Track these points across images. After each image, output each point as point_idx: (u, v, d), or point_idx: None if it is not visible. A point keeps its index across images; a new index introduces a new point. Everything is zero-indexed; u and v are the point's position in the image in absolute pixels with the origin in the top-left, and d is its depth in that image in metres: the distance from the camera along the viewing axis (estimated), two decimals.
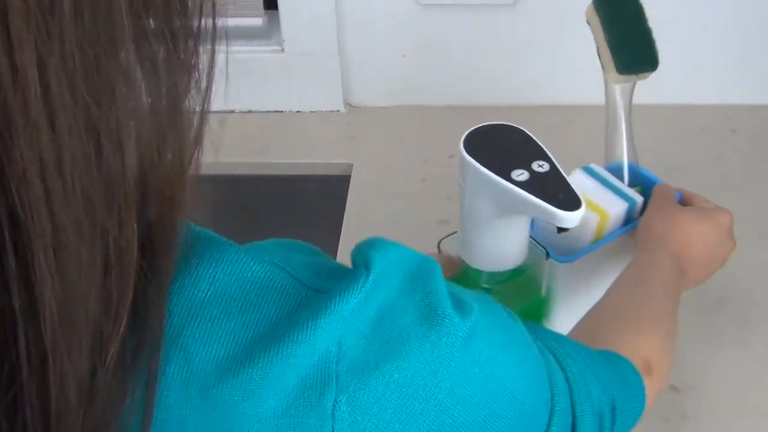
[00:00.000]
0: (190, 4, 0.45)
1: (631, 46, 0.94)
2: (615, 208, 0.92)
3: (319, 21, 1.26)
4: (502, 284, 0.87)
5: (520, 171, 0.77)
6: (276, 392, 0.48)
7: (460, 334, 0.52)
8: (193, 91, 0.46)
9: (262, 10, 1.27)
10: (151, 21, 0.43)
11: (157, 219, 0.47)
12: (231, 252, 0.50)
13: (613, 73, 0.94)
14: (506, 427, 0.55)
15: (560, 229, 0.77)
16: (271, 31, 1.29)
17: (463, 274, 0.88)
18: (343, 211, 1.19)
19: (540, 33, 1.29)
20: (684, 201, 0.94)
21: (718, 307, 1.04)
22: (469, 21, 1.28)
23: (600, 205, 0.91)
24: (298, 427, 0.48)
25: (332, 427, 0.49)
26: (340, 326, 0.49)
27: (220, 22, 0.47)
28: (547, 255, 0.88)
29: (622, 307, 0.79)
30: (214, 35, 0.47)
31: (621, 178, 0.96)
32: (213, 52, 0.47)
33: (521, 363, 0.58)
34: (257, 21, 1.28)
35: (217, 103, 1.35)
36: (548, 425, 0.59)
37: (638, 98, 1.26)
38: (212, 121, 0.49)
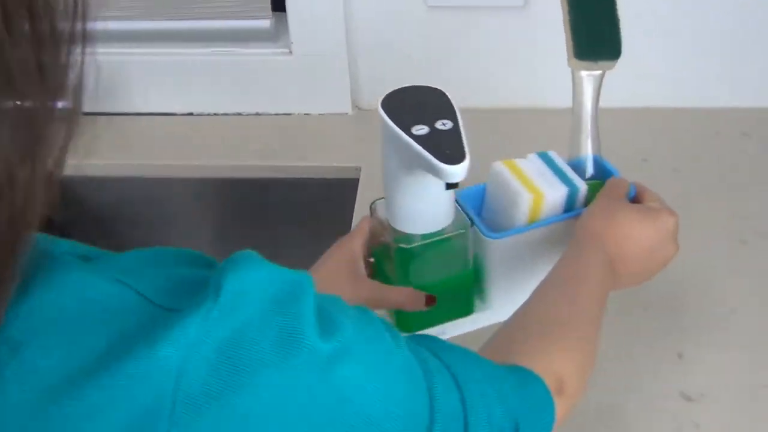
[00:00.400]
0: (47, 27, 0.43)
1: (593, 31, 0.90)
2: (553, 192, 0.89)
3: (327, 23, 1.25)
4: (425, 248, 0.88)
5: (421, 126, 0.79)
6: (104, 426, 0.45)
7: (318, 360, 0.49)
8: (55, 113, 0.44)
9: (270, 12, 1.27)
10: (9, 39, 0.41)
11: (2, 236, 0.43)
12: (74, 270, 0.47)
13: (573, 59, 0.91)
14: None
15: (448, 186, 0.78)
16: (278, 33, 1.29)
17: (391, 239, 0.89)
18: (352, 215, 1.17)
19: (550, 36, 1.27)
20: (636, 197, 0.90)
21: (730, 314, 0.99)
22: (479, 23, 1.25)
23: (538, 186, 0.89)
24: None
25: None
26: (181, 353, 0.45)
27: (89, 47, 0.45)
28: (472, 223, 0.88)
29: (543, 314, 0.76)
30: (83, 59, 0.44)
31: (584, 172, 0.93)
32: (81, 77, 0.45)
33: (392, 387, 0.55)
34: (265, 23, 1.28)
35: (225, 106, 1.35)
36: None
37: (652, 101, 1.25)
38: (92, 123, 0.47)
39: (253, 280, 0.49)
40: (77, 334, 0.46)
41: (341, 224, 1.18)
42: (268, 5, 1.27)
